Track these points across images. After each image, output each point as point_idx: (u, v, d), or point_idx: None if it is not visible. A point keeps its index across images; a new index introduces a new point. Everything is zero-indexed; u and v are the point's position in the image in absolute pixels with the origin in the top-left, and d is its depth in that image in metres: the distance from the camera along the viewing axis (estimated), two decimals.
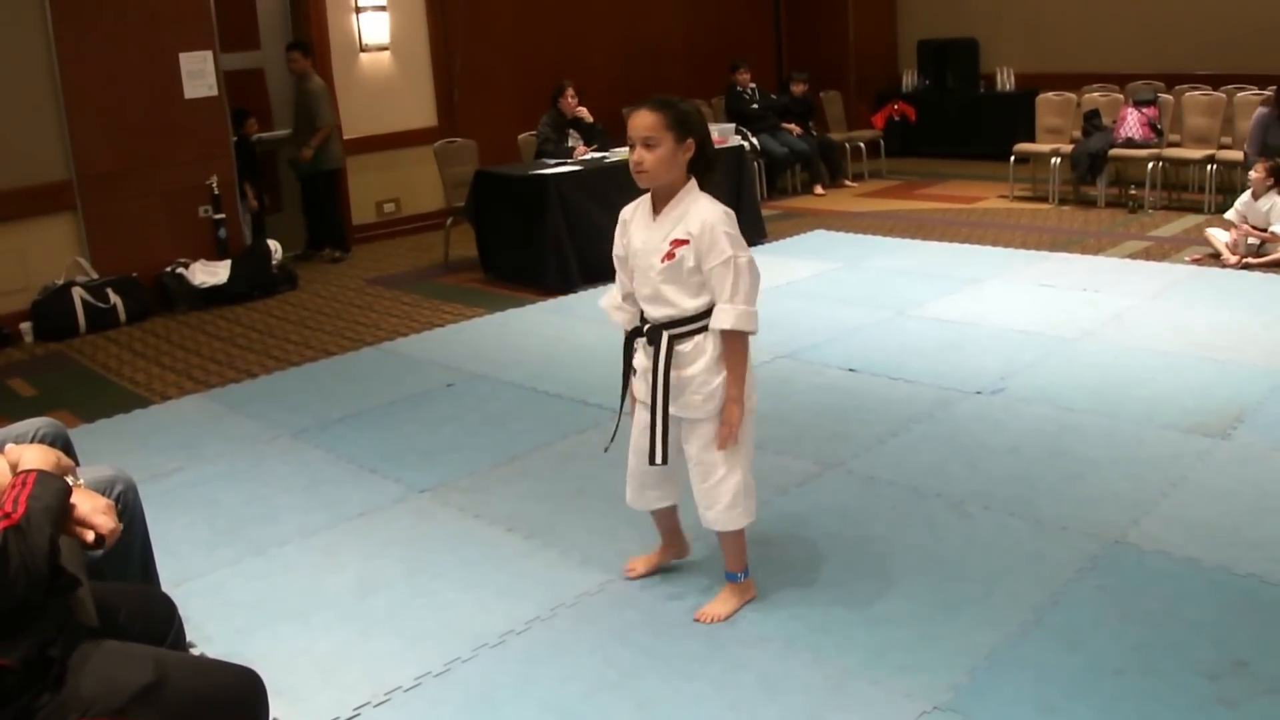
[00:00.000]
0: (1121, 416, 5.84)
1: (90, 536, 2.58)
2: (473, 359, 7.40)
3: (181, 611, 3.18)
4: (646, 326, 3.84)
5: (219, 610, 4.26)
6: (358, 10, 11.54)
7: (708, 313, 3.74)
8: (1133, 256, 9.63)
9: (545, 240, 9.20)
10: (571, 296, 9.00)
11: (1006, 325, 7.49)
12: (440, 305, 9.01)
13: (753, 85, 13.76)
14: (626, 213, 3.94)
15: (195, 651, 3.77)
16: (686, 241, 3.67)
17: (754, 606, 4.08)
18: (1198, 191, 11.79)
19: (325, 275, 10.30)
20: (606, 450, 4.27)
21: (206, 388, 7.11)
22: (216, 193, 9.75)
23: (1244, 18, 13.36)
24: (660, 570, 4.37)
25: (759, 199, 11.63)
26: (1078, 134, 12.49)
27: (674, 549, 4.38)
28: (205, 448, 6.01)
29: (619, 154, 10.25)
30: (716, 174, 3.87)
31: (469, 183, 10.08)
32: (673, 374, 3.77)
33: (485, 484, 5.33)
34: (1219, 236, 9.34)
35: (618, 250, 3.96)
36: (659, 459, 3.83)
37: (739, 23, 15.69)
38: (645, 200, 3.85)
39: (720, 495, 3.89)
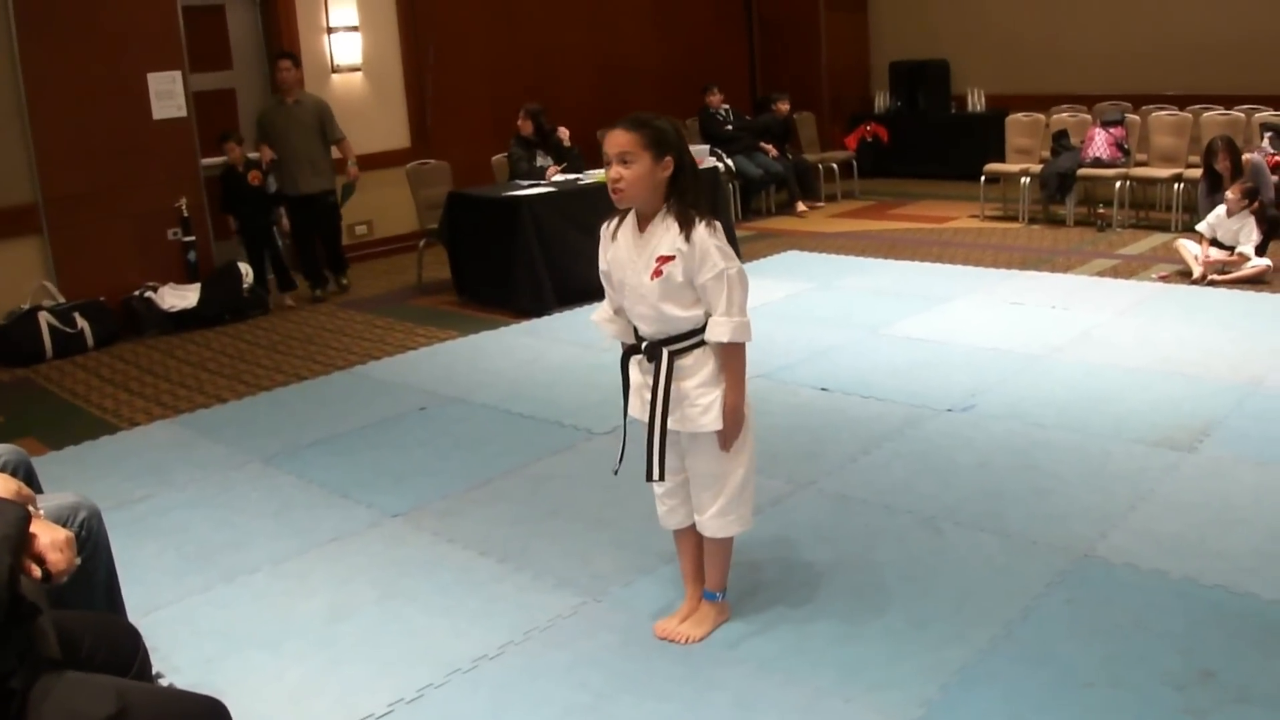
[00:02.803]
0: (1090, 431, 5.89)
1: (37, 572, 2.54)
2: (446, 382, 7.38)
3: (150, 640, 3.17)
4: (644, 344, 3.81)
5: (188, 639, 4.24)
6: (330, 31, 11.55)
7: (704, 326, 3.72)
8: (1101, 274, 9.70)
9: (519, 262, 9.20)
10: (545, 318, 9.00)
11: (977, 343, 7.53)
12: (413, 328, 9.00)
13: (726, 106, 13.82)
14: (608, 228, 3.89)
15: (164, 682, 3.74)
16: (673, 258, 3.64)
17: (728, 627, 4.09)
18: (1165, 210, 11.89)
19: (296, 298, 10.25)
20: (616, 473, 4.13)
21: (176, 413, 7.07)
22: (185, 215, 9.72)
23: (1209, 39, 13.46)
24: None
25: (733, 220, 11.66)
26: (1047, 154, 12.59)
27: (699, 595, 4.14)
28: (174, 474, 5.98)
29: (593, 175, 10.27)
30: (703, 188, 3.83)
31: (442, 204, 10.08)
32: (673, 387, 3.76)
33: (458, 508, 5.32)
34: (1189, 248, 9.41)
35: (602, 266, 3.91)
36: (656, 475, 3.81)
37: (713, 44, 15.76)
38: (630, 217, 3.81)
39: (715, 501, 3.88)
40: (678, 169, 3.68)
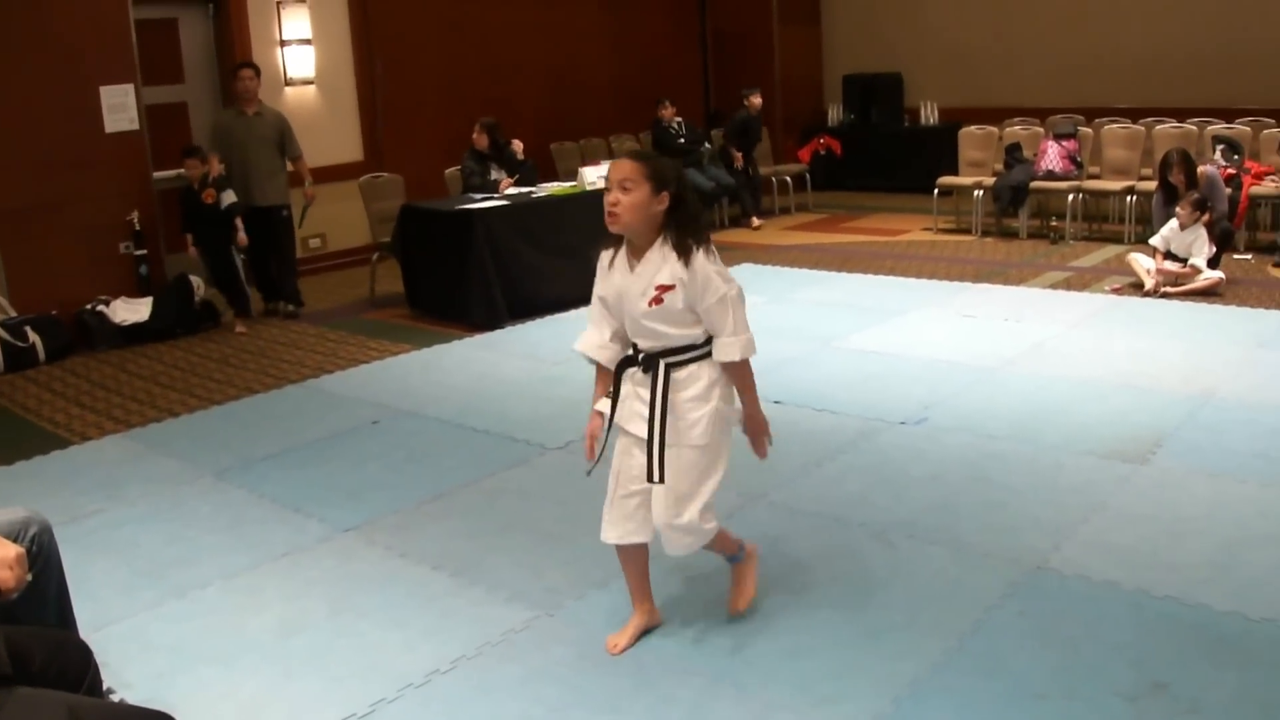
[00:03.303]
0: (1042, 444, 5.93)
1: None
2: (399, 395, 7.37)
3: (101, 656, 3.15)
4: (641, 355, 3.92)
5: (139, 654, 4.21)
6: (283, 44, 11.52)
7: (703, 343, 3.87)
8: (1054, 287, 9.78)
9: (472, 275, 9.20)
10: (499, 332, 8.99)
11: (930, 356, 7.57)
12: (366, 341, 8.97)
13: (679, 120, 13.82)
14: (605, 259, 4.00)
15: (114, 697, 3.73)
16: (673, 286, 3.76)
17: (681, 640, 4.10)
18: (1117, 222, 12.01)
19: (248, 323, 10.17)
20: (589, 474, 4.18)
21: (127, 427, 7.03)
22: (138, 228, 9.67)
23: (1161, 52, 13.62)
24: (641, 636, 4.18)
25: None
26: (1000, 167, 12.68)
27: (645, 610, 4.22)
28: (126, 489, 5.94)
29: (547, 189, 10.29)
30: (701, 224, 3.91)
31: (395, 218, 10.07)
32: (669, 398, 3.88)
33: (411, 522, 5.31)
34: (1142, 261, 9.49)
35: (600, 292, 4.01)
36: (656, 478, 3.86)
37: (667, 58, 15.81)
38: (622, 248, 3.93)
39: (681, 527, 3.94)
40: (675, 205, 3.79)
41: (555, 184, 10.70)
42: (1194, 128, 11.97)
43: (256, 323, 9.84)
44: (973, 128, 13.27)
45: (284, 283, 10.21)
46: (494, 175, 10.57)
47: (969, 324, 8.40)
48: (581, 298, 9.59)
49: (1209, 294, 9.12)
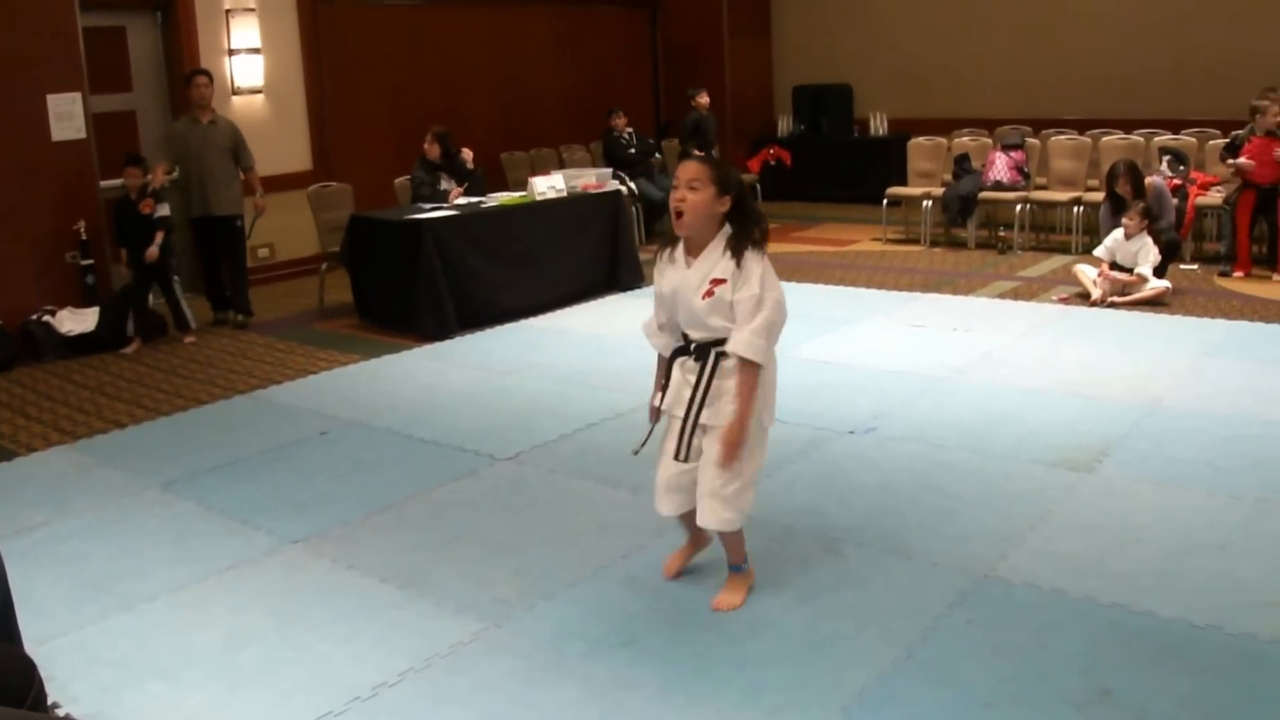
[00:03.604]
0: (990, 453, 5.98)
1: None
2: (347, 406, 7.33)
3: (46, 670, 3.13)
4: (693, 345, 4.26)
5: (85, 669, 4.17)
6: (231, 53, 11.43)
7: None
8: (1002, 296, 9.85)
9: (421, 285, 9.16)
10: (448, 342, 8.95)
11: (879, 365, 7.61)
12: (315, 352, 8.93)
13: (630, 130, 13.82)
14: (663, 256, 4.35)
15: (60, 712, 3.69)
16: (725, 280, 4.11)
17: (630, 651, 4.10)
18: (1065, 233, 12.12)
19: (198, 322, 10.09)
20: (636, 453, 4.51)
21: (74, 439, 6.96)
22: (84, 238, 9.56)
23: (1108, 64, 13.75)
24: (690, 564, 4.71)
25: (636, 243, 11.69)
26: (948, 177, 12.77)
27: (698, 543, 4.71)
28: (72, 501, 5.88)
29: (497, 199, 10.27)
30: (760, 230, 4.24)
31: (344, 227, 10.02)
32: (714, 384, 4.20)
33: (359, 534, 5.28)
34: (1087, 273, 9.58)
35: (660, 289, 4.34)
36: (682, 455, 4.27)
37: (618, 69, 15.85)
38: (678, 245, 4.27)
39: (720, 498, 4.23)
40: (735, 208, 4.17)
41: (505, 194, 10.68)
42: (1140, 139, 12.11)
43: (205, 333, 9.76)
44: (921, 139, 13.37)
45: (235, 293, 10.14)
46: (444, 185, 10.55)
47: (918, 333, 8.45)
48: (531, 307, 9.70)
49: (1155, 304, 9.22)
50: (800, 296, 9.84)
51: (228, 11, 11.35)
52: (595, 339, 8.81)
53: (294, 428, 6.94)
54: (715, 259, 4.15)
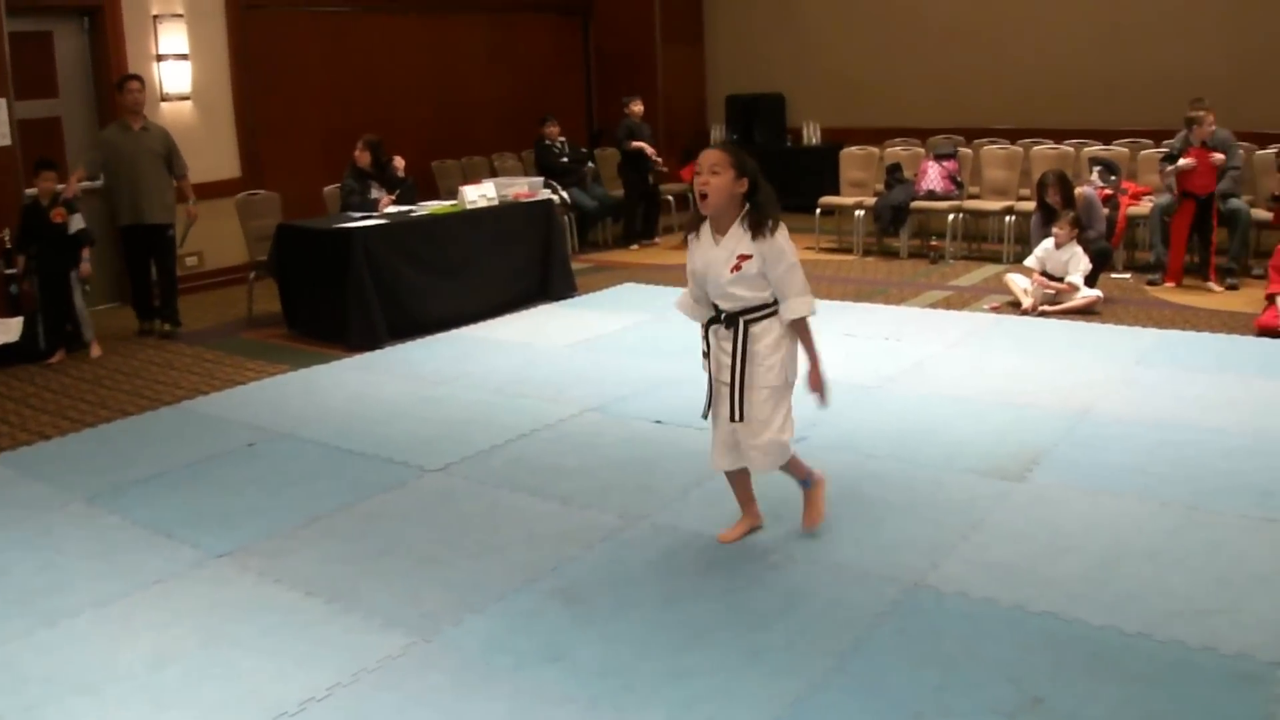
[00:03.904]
0: (921, 462, 6.02)
1: None
2: (275, 418, 7.28)
3: None
4: (724, 315, 4.83)
5: (8, 685, 4.12)
6: (159, 59, 11.35)
7: (771, 303, 4.78)
8: (934, 306, 9.94)
9: (350, 295, 9.11)
10: (378, 352, 8.91)
11: None
12: (243, 362, 8.86)
13: (562, 139, 13.81)
14: (693, 238, 4.92)
15: None
16: (751, 256, 4.69)
17: (559, 663, 4.10)
18: (996, 242, 12.26)
19: (124, 332, 10.02)
20: (705, 416, 5.11)
21: None
22: (8, 247, 9.44)
23: (1040, 75, 13.88)
24: (747, 536, 5.15)
25: (569, 252, 11.69)
26: (881, 187, 12.85)
27: (751, 515, 5.22)
28: None
29: (428, 207, 10.24)
30: (773, 204, 4.82)
31: (272, 236, 9.97)
32: (748, 349, 4.79)
33: (286, 547, 5.24)
34: (1018, 282, 9.68)
35: (693, 265, 4.89)
36: (737, 416, 4.83)
37: (550, 77, 15.84)
38: (705, 226, 4.84)
39: (759, 444, 4.87)
40: (752, 189, 4.75)
41: (436, 203, 10.65)
42: (1071, 149, 12.24)
43: (130, 343, 9.67)
44: (854, 148, 13.45)
45: (165, 303, 10.03)
46: (374, 193, 10.50)
47: (850, 343, 8.48)
48: (462, 317, 9.67)
49: (1087, 313, 9.33)
50: None
51: (155, 17, 11.27)
52: (527, 349, 8.79)
53: (221, 439, 6.88)
54: (740, 237, 4.72)
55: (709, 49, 16.97)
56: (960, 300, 10.14)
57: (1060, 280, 9.49)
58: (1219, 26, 12.92)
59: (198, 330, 10.09)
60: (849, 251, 12.78)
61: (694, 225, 4.92)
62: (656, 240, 13.97)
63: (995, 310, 9.62)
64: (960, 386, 7.35)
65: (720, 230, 4.78)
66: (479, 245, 10.08)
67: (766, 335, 4.80)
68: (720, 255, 4.75)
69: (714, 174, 4.70)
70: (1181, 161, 10.19)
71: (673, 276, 11.53)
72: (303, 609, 4.62)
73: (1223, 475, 5.70)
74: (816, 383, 4.91)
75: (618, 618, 4.45)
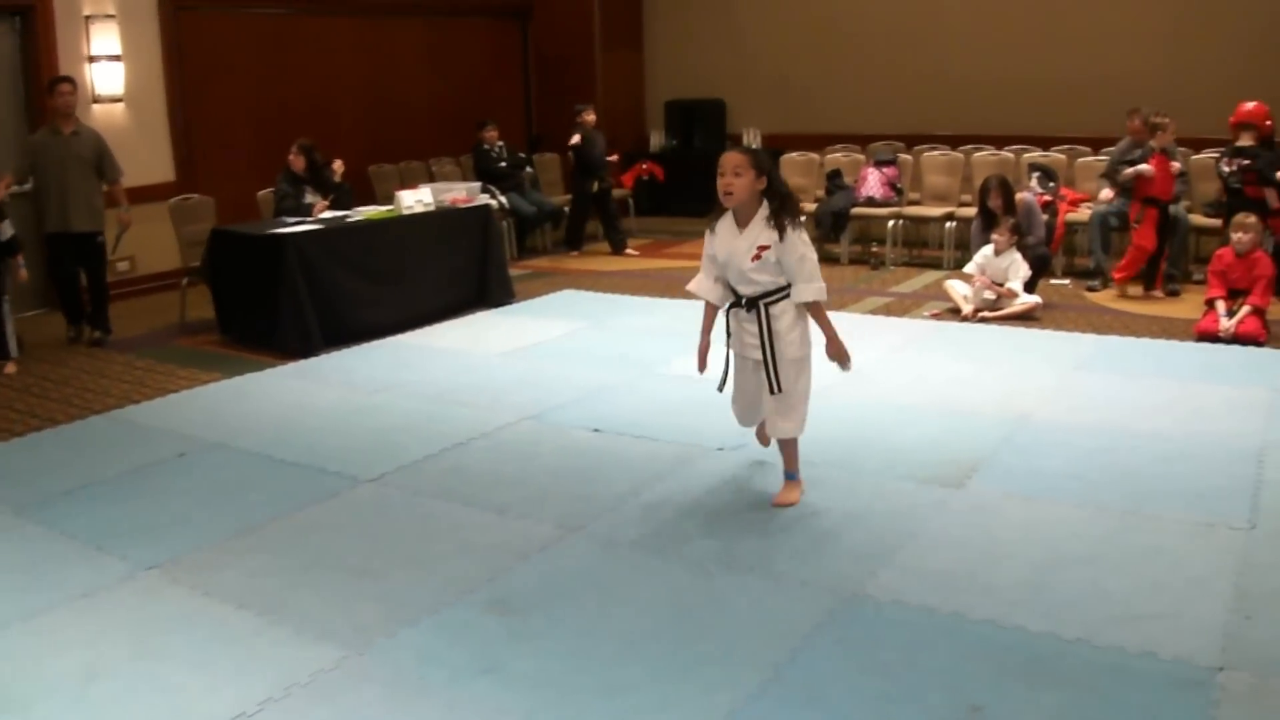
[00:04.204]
0: (860, 470, 6.06)
1: None
2: (207, 426, 7.21)
3: None
4: (745, 300, 5.49)
5: None
6: (91, 59, 11.22)
7: (785, 285, 5.40)
8: (874, 312, 10.01)
9: (285, 302, 9.06)
10: (312, 360, 8.85)
11: None
12: (175, 370, 8.78)
13: (500, 143, 13.76)
14: (714, 227, 5.53)
15: None
16: (769, 246, 5.32)
17: (494, 676, 4.09)
18: (937, 248, 12.32)
19: (53, 339, 9.91)
20: (720, 390, 5.85)
21: None
22: None
23: (980, 80, 13.98)
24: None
25: (507, 259, 11.67)
26: (821, 193, 12.89)
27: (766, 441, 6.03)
28: None
29: (363, 212, 10.19)
30: (791, 199, 5.47)
31: (206, 241, 9.88)
32: (772, 328, 5.43)
33: (217, 559, 5.19)
34: (957, 289, 9.75)
35: (710, 251, 5.57)
36: (777, 389, 5.49)
37: (488, 83, 15.81)
38: (728, 216, 5.45)
39: (785, 413, 5.57)
40: (770, 185, 5.35)
41: (371, 208, 10.60)
42: (1011, 155, 12.35)
43: (61, 351, 9.56)
44: (794, 154, 13.51)
45: (95, 311, 9.89)
46: (309, 198, 10.43)
47: None
48: (398, 324, 9.64)
49: (1026, 318, 9.42)
50: (672, 313, 9.90)
51: (87, 18, 11.15)
52: (463, 356, 8.76)
53: (152, 449, 6.81)
54: (760, 228, 5.34)
55: (649, 54, 17.00)
56: (900, 307, 10.20)
57: (1001, 285, 9.56)
58: (1157, 32, 13.08)
59: (129, 337, 9.98)
60: None
61: (716, 216, 5.52)
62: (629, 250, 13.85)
63: (935, 317, 9.69)
64: (900, 394, 7.39)
65: (742, 223, 5.41)
66: (415, 251, 10.05)
67: (784, 315, 5.44)
68: (742, 245, 5.39)
69: (737, 175, 5.29)
70: (1143, 167, 10.24)
71: (612, 283, 11.57)
72: (234, 622, 4.58)
73: (1160, 480, 5.78)
74: (835, 352, 5.50)
75: (553, 630, 4.44)
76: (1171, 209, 10.40)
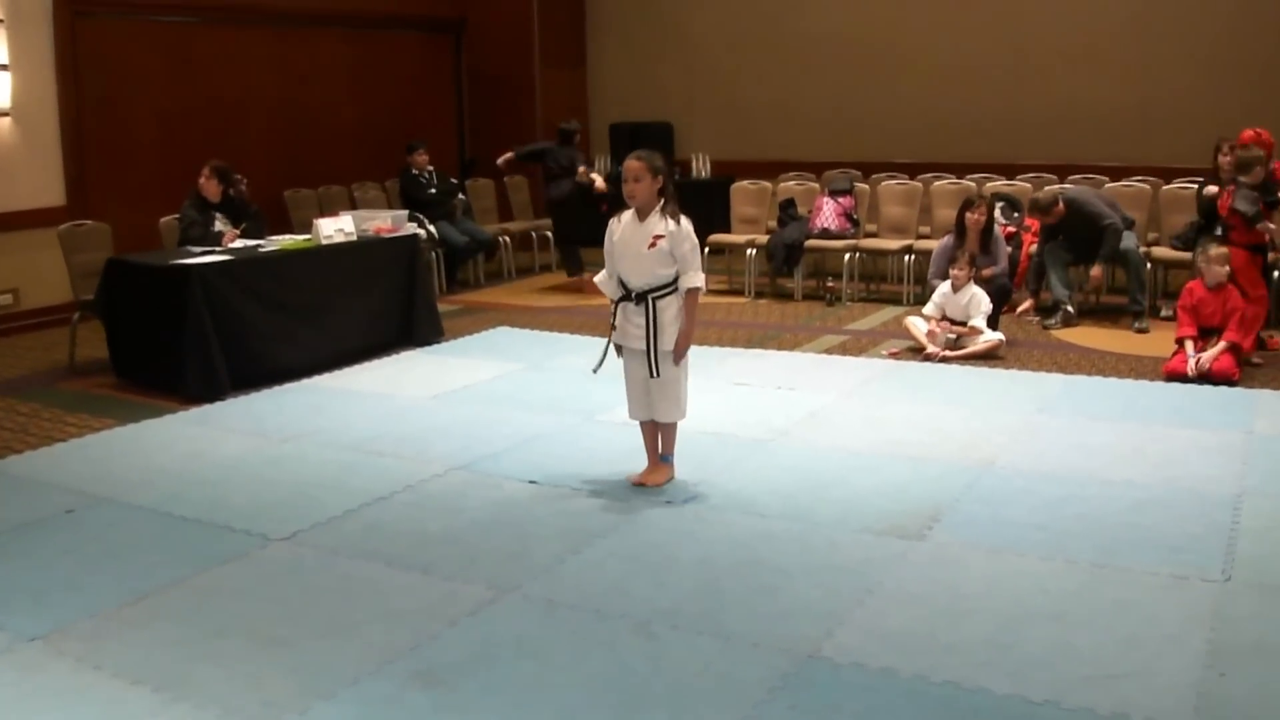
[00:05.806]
0: (815, 521, 6.07)
1: None
2: (98, 480, 7.09)
3: None
4: (634, 293, 6.43)
5: None
6: None
7: (673, 281, 6.39)
8: (830, 351, 10.05)
9: (188, 340, 8.91)
10: (219, 404, 8.74)
11: (698, 428, 7.53)
12: (62, 415, 8.65)
13: (430, 168, 13.72)
14: (615, 220, 6.56)
15: None
16: (663, 237, 6.32)
17: None
18: (896, 282, 12.42)
19: None
20: (595, 371, 6.76)
21: None
22: None
23: (940, 107, 14.17)
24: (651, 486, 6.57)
25: (435, 293, 11.62)
26: (774, 224, 12.94)
27: (656, 458, 6.79)
28: None
29: (277, 242, 10.10)
30: (676, 194, 6.50)
31: (100, 272, 9.74)
32: (658, 320, 6.37)
33: (108, 629, 5.08)
34: (918, 326, 9.78)
35: (608, 246, 6.59)
36: (656, 373, 6.40)
37: (417, 102, 15.85)
38: (630, 212, 6.44)
39: (667, 399, 6.54)
40: (665, 185, 6.39)
41: (287, 237, 10.53)
42: (972, 184, 12.42)
43: None
44: (745, 182, 13.58)
45: None
46: (218, 226, 10.33)
47: (740, 392, 8.54)
48: (315, 364, 9.57)
49: (989, 357, 9.47)
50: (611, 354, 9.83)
51: None
52: (386, 401, 8.71)
53: (35, 505, 6.68)
54: (656, 220, 6.35)
55: (592, 73, 17.09)
56: (857, 345, 10.24)
57: (963, 324, 9.59)
58: (1122, 60, 13.33)
59: (10, 379, 9.86)
60: (740, 293, 12.88)
61: (616, 213, 6.58)
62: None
63: (894, 356, 9.73)
64: (857, 439, 7.41)
65: (642, 217, 6.41)
66: (335, 285, 9.98)
67: (669, 309, 6.39)
68: (640, 234, 6.38)
69: (638, 181, 6.32)
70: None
71: (549, 320, 11.56)
72: (126, 699, 4.47)
73: (1130, 530, 5.83)
74: (680, 344, 6.44)
75: (485, 701, 4.37)
76: (1123, 243, 10.59)
